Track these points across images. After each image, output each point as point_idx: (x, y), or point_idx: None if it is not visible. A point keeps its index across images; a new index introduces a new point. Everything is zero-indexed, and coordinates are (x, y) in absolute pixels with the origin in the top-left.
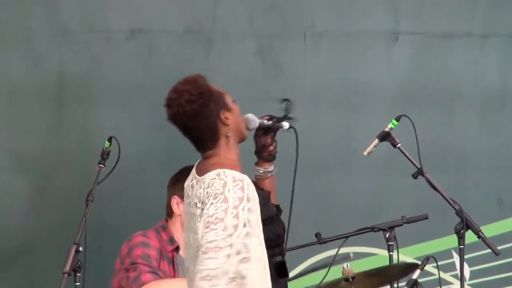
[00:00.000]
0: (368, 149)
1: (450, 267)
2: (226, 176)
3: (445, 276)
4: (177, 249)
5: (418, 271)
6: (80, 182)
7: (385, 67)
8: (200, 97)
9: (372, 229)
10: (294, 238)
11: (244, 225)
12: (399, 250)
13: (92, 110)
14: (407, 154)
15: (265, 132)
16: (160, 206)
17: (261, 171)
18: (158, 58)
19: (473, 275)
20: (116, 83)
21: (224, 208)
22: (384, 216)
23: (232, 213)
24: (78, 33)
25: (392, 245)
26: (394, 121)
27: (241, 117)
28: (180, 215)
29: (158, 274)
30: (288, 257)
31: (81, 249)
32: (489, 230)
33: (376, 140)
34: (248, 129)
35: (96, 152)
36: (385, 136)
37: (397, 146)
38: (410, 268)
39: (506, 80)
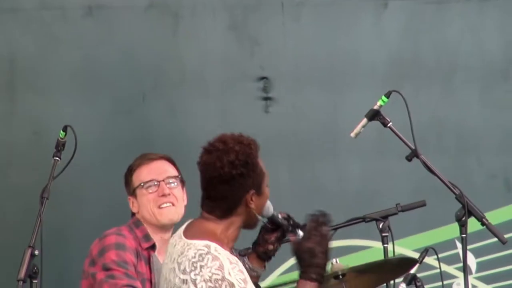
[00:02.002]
0: (356, 130)
1: (453, 259)
2: (219, 254)
3: (448, 269)
4: (153, 247)
5: (416, 265)
6: (37, 179)
7: (374, 38)
8: (244, 165)
9: (364, 219)
10: None
11: None
12: (395, 242)
13: (48, 96)
14: (399, 134)
15: (274, 229)
16: (127, 201)
17: (247, 266)
18: (119, 37)
19: (480, 267)
20: (74, 65)
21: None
22: (377, 205)
23: None
24: (29, 10)
25: (387, 236)
26: (384, 97)
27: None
28: (138, 211)
29: (135, 287)
30: None
31: (36, 252)
32: (495, 216)
33: (365, 120)
34: (263, 215)
35: (54, 144)
36: (374, 115)
37: (388, 125)
38: (407, 261)
39: (509, 48)
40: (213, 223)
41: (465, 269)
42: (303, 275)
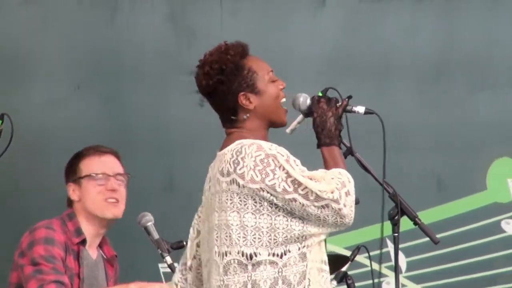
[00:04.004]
0: (292, 126)
1: (384, 258)
2: (254, 141)
3: (378, 267)
4: (83, 242)
5: (348, 263)
6: None
7: (311, 34)
8: (220, 72)
9: None
10: None
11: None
12: (327, 239)
13: None
14: None
15: None
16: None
17: None
18: (56, 27)
19: (410, 266)
20: (9, 54)
21: (277, 166)
22: None
23: (292, 166)
24: None
25: None
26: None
27: (279, 99)
28: (80, 200)
29: (62, 283)
30: None
31: None
32: (428, 216)
33: (301, 116)
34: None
35: None
36: (310, 112)
37: None
38: (339, 259)
39: (443, 47)
40: (236, 133)
41: (397, 268)
42: (319, 143)
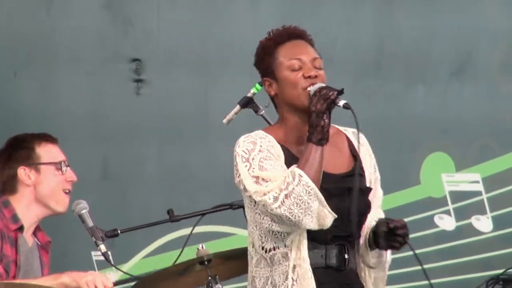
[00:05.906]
0: (228, 117)
1: None
2: (242, 136)
3: None
4: (21, 228)
5: None
6: None
7: (249, 24)
8: (256, 54)
9: (231, 206)
10: (144, 215)
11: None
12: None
13: None
14: (271, 122)
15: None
16: None
17: None
18: None
19: None
20: None
21: (237, 166)
22: None
23: (246, 166)
24: None
25: None
26: (257, 85)
27: (299, 87)
28: (33, 186)
29: None
30: (138, 236)
31: None
32: None
33: (238, 107)
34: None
35: None
36: (247, 102)
37: (261, 113)
38: None
39: (382, 40)
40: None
41: None
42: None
